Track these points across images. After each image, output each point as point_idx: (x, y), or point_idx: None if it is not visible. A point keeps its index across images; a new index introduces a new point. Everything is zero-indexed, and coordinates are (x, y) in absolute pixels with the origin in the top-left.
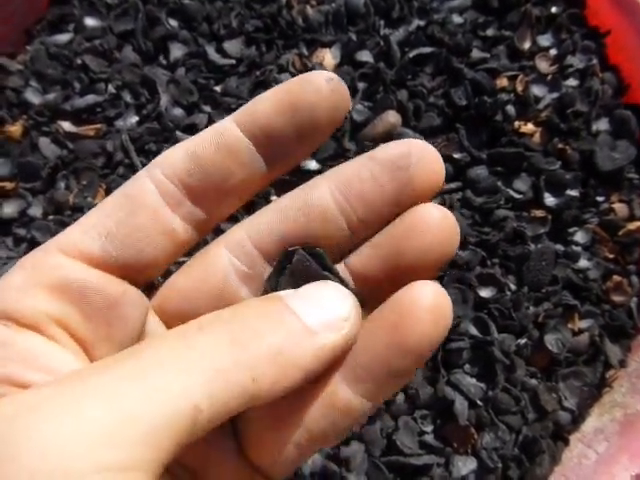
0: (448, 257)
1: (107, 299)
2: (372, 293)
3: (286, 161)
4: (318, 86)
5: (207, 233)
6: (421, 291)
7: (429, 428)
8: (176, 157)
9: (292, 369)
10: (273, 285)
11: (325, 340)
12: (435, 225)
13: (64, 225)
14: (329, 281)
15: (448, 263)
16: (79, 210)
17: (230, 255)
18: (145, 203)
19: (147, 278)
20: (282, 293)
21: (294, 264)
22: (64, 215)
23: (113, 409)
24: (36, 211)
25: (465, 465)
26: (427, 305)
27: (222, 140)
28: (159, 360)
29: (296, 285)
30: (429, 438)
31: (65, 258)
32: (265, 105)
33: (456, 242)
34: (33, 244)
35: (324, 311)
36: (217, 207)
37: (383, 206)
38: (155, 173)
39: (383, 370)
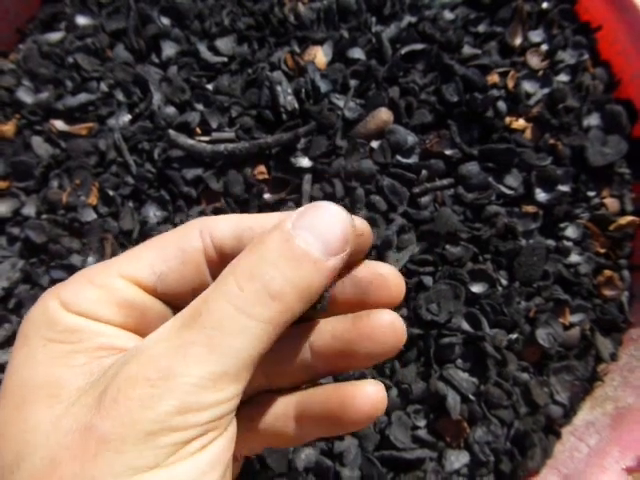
0: (393, 353)
1: (156, 315)
2: (324, 364)
3: None
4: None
5: None
6: (364, 392)
7: (422, 423)
8: (226, 234)
9: (308, 292)
10: None
11: (330, 265)
12: (383, 333)
13: (58, 224)
14: (325, 204)
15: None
16: (73, 209)
17: None
18: (194, 259)
19: (179, 304)
20: (289, 225)
21: None
22: (57, 214)
23: (208, 369)
24: (30, 210)
25: (458, 459)
26: (365, 407)
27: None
28: (222, 325)
29: None
30: (422, 433)
31: (125, 282)
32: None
33: (401, 341)
34: (27, 243)
35: (329, 240)
36: None
37: (343, 304)
38: (206, 237)
39: (322, 430)
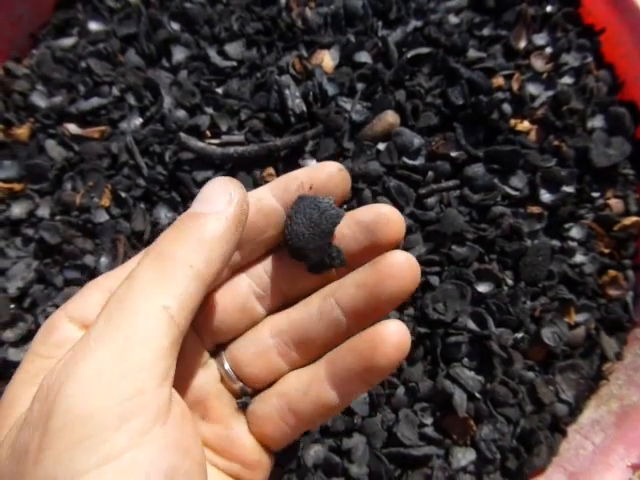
0: (412, 290)
1: None
2: (353, 318)
3: None
4: (331, 172)
5: (238, 273)
6: (389, 329)
7: (429, 420)
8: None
9: (210, 244)
10: (288, 222)
11: (224, 214)
12: (401, 269)
13: (72, 225)
14: (220, 178)
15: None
16: (86, 210)
17: (250, 281)
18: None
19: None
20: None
21: (304, 202)
22: (71, 215)
23: (109, 345)
24: (44, 212)
25: (464, 456)
26: (393, 341)
27: (260, 206)
28: (119, 300)
29: (305, 219)
30: (429, 430)
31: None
32: (295, 183)
33: (417, 277)
34: (41, 244)
35: (209, 197)
36: (249, 254)
37: (359, 253)
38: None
39: (356, 380)
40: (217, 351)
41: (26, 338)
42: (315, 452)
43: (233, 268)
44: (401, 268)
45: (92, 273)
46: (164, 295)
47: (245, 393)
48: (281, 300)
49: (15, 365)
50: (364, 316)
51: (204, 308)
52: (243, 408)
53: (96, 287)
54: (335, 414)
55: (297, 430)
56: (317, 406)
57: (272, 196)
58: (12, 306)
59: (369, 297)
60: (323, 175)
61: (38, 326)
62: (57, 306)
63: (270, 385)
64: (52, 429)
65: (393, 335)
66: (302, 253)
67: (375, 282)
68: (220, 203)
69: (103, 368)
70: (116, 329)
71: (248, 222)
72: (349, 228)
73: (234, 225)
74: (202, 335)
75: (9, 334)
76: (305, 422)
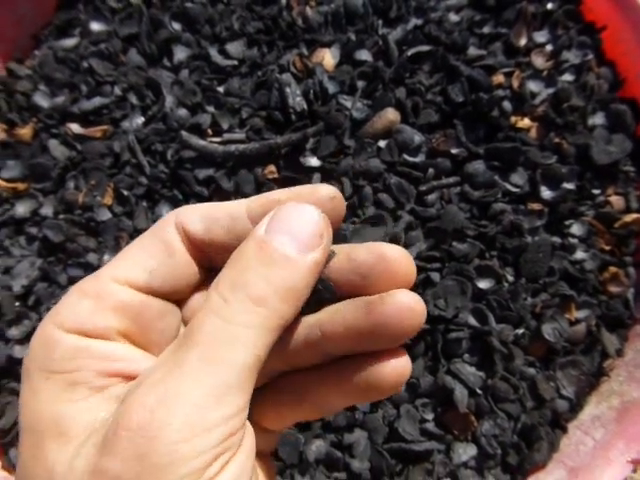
0: (414, 334)
1: (155, 314)
2: (342, 350)
3: None
4: (322, 201)
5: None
6: (387, 366)
7: (430, 416)
8: (197, 225)
9: (293, 292)
10: None
11: (309, 260)
12: (403, 319)
13: (75, 224)
14: (293, 203)
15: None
16: (89, 209)
17: None
18: (178, 251)
19: (178, 298)
20: (260, 231)
21: None
22: (74, 214)
23: (206, 384)
24: (47, 210)
25: (465, 451)
26: (392, 379)
27: (232, 226)
28: (214, 340)
29: None
30: (430, 425)
31: (118, 286)
32: (275, 206)
33: (422, 320)
34: (45, 242)
35: (302, 237)
36: (220, 260)
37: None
38: (180, 230)
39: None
40: None
41: (30, 335)
42: (317, 447)
43: (208, 268)
44: (401, 319)
45: (95, 271)
46: (258, 348)
47: None
48: None
49: (20, 362)
50: (353, 351)
51: None
52: None
53: (81, 293)
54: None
55: (288, 422)
56: (311, 408)
57: (247, 217)
58: (17, 304)
59: (360, 340)
60: (312, 200)
61: None
62: None
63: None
64: (152, 466)
65: (393, 371)
66: None
67: (368, 329)
68: (310, 245)
69: (201, 406)
70: (212, 371)
71: (221, 245)
72: (340, 269)
73: (319, 272)
74: None
75: (14, 331)
76: (296, 418)
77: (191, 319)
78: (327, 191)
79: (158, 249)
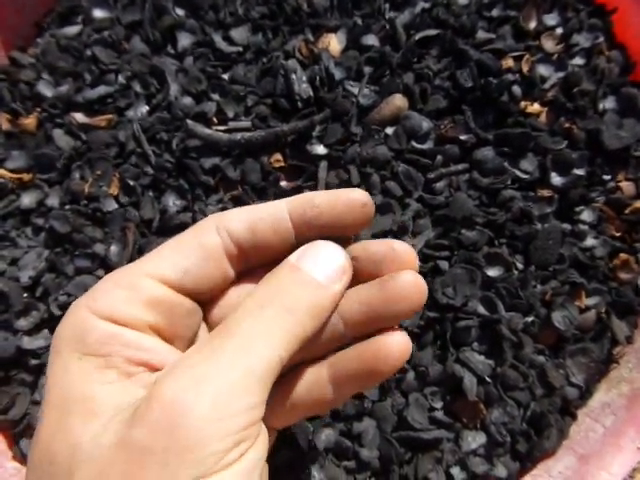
0: (418, 310)
1: (184, 312)
2: (354, 329)
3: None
4: (354, 206)
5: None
6: (395, 340)
7: (439, 404)
8: (241, 228)
9: (318, 310)
10: None
11: (333, 289)
12: (409, 291)
13: (81, 214)
14: (322, 243)
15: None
16: (95, 199)
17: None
18: (214, 254)
19: (205, 300)
20: (294, 258)
21: None
22: (80, 204)
23: (238, 371)
24: (53, 201)
25: (474, 439)
26: (397, 353)
27: (277, 226)
28: (249, 334)
29: None
30: (439, 414)
31: (152, 281)
32: (313, 211)
33: (424, 298)
34: (52, 233)
35: (328, 270)
36: (257, 262)
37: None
38: (222, 233)
39: (356, 383)
40: None
41: (39, 326)
42: (326, 436)
43: (241, 273)
44: (408, 293)
45: (102, 261)
46: (283, 349)
47: None
48: None
49: (29, 353)
50: (366, 330)
51: None
52: None
53: (114, 283)
54: (327, 411)
55: (292, 420)
56: (315, 403)
57: (289, 217)
58: (25, 295)
59: (373, 314)
60: (342, 207)
61: (51, 314)
62: (69, 294)
63: None
64: (180, 439)
65: (398, 346)
66: None
67: (381, 303)
68: (334, 278)
69: (230, 393)
70: (244, 362)
71: (264, 244)
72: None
73: (338, 301)
74: None
75: (23, 322)
76: (299, 415)
77: (223, 318)
78: (360, 197)
79: (195, 251)
